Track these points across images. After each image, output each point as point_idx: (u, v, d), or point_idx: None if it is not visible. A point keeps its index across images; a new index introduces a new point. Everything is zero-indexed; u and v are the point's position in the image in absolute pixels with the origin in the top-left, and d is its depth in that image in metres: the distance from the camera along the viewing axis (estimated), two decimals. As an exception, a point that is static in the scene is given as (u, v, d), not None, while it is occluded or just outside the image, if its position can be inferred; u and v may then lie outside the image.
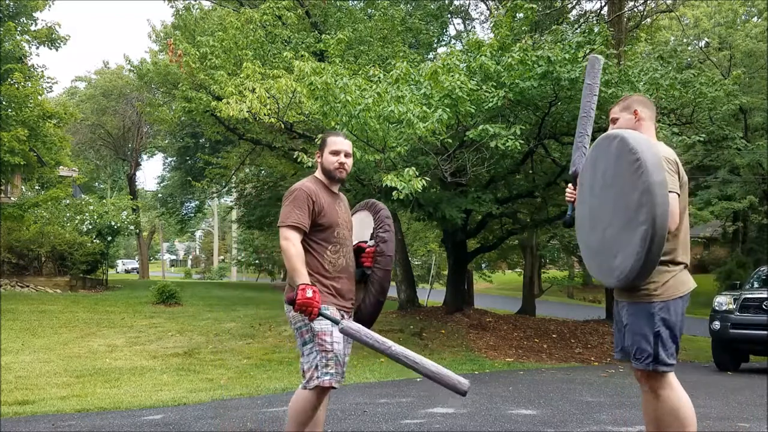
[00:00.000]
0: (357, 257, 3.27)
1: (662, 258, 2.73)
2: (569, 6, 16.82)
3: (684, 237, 2.90)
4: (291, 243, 3.02)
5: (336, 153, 3.21)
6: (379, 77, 8.99)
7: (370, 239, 3.28)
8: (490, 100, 8.67)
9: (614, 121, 3.10)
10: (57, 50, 18.03)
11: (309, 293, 2.89)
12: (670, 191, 2.66)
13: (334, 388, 3.04)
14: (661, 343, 2.83)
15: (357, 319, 3.20)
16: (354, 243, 3.30)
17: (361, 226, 3.38)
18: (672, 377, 2.87)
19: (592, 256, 2.99)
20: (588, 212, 3.00)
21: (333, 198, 3.23)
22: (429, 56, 14.80)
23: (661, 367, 2.83)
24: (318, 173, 3.28)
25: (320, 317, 2.95)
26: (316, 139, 8.97)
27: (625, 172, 2.69)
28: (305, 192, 3.11)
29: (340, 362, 3.04)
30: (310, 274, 3.05)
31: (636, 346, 2.87)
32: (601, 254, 2.89)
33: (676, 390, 2.85)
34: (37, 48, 16.75)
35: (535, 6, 10.34)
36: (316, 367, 3.00)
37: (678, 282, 2.87)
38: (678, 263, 2.89)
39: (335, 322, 2.97)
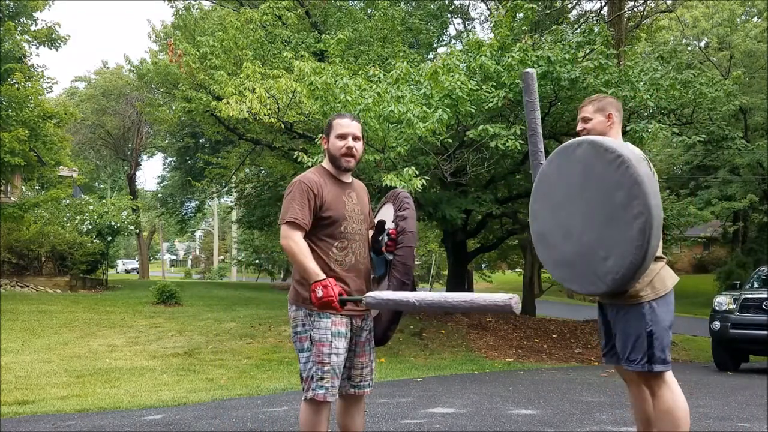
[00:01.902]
0: (377, 243, 3.00)
1: None
2: (569, 6, 16.83)
3: None
4: (291, 240, 2.78)
5: (343, 137, 2.90)
6: (379, 77, 8.99)
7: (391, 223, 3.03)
8: (490, 100, 8.67)
9: (586, 120, 3.09)
10: (57, 50, 18.04)
11: (319, 293, 2.69)
12: None
13: (328, 402, 2.87)
14: (655, 342, 2.79)
15: (380, 313, 3.03)
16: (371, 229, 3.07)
17: (386, 218, 3.14)
18: (669, 376, 2.84)
19: (568, 269, 2.90)
20: (551, 227, 2.93)
21: (341, 188, 2.94)
22: (429, 56, 14.80)
23: (657, 367, 2.80)
24: (325, 162, 3.00)
25: (337, 310, 2.77)
26: (317, 139, 8.96)
27: (604, 171, 2.67)
28: (305, 185, 2.85)
29: (337, 375, 2.86)
30: None
31: (629, 348, 2.83)
32: (581, 263, 2.81)
33: (673, 390, 2.82)
34: (37, 48, 16.75)
35: (535, 6, 10.34)
36: (312, 378, 2.83)
37: (663, 278, 2.87)
38: (660, 258, 2.88)
39: (359, 300, 2.79)
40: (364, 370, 3.01)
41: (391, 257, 2.95)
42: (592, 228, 2.73)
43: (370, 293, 2.81)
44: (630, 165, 2.60)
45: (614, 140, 2.78)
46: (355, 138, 2.94)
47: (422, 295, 2.74)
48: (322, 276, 2.73)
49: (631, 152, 2.67)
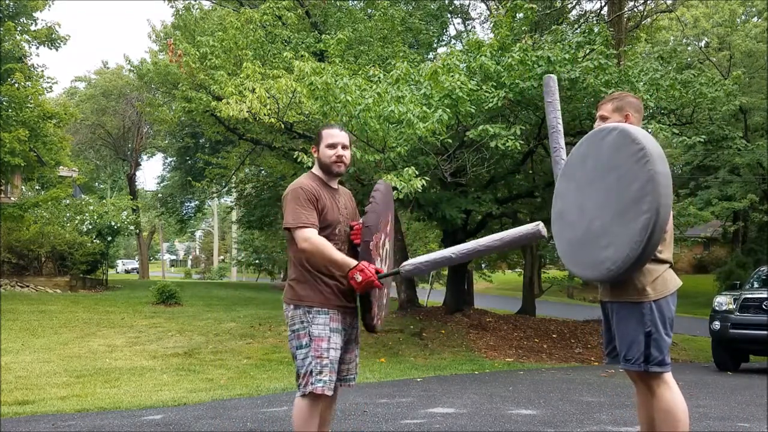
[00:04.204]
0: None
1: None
2: (569, 6, 16.82)
3: (670, 236, 2.89)
4: (312, 241, 2.91)
5: (332, 146, 3.09)
6: (379, 77, 9.00)
7: None
8: (490, 100, 8.67)
9: (603, 118, 3.05)
10: (57, 50, 18.05)
11: (358, 277, 2.87)
12: None
13: (326, 395, 2.96)
14: (653, 343, 2.79)
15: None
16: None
17: None
18: (668, 376, 2.84)
19: (573, 250, 2.93)
20: (571, 206, 2.96)
21: (332, 194, 3.12)
22: (429, 56, 14.81)
23: (653, 368, 2.80)
24: (315, 169, 3.17)
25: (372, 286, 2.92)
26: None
27: (625, 162, 2.67)
28: (305, 190, 3.01)
29: (334, 369, 2.97)
30: (311, 273, 2.99)
31: (626, 347, 2.84)
32: (584, 247, 2.84)
33: (672, 390, 2.82)
34: (37, 48, 16.77)
35: (535, 6, 10.34)
36: (311, 373, 2.94)
37: (665, 280, 2.86)
38: (665, 261, 2.87)
39: (396, 273, 3.03)
40: (350, 365, 3.17)
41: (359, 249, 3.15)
42: (604, 215, 2.75)
43: (405, 262, 3.02)
44: (650, 160, 2.59)
45: (644, 133, 2.74)
46: (344, 147, 3.12)
47: (455, 247, 2.94)
48: (354, 263, 2.91)
49: (656, 148, 2.65)
